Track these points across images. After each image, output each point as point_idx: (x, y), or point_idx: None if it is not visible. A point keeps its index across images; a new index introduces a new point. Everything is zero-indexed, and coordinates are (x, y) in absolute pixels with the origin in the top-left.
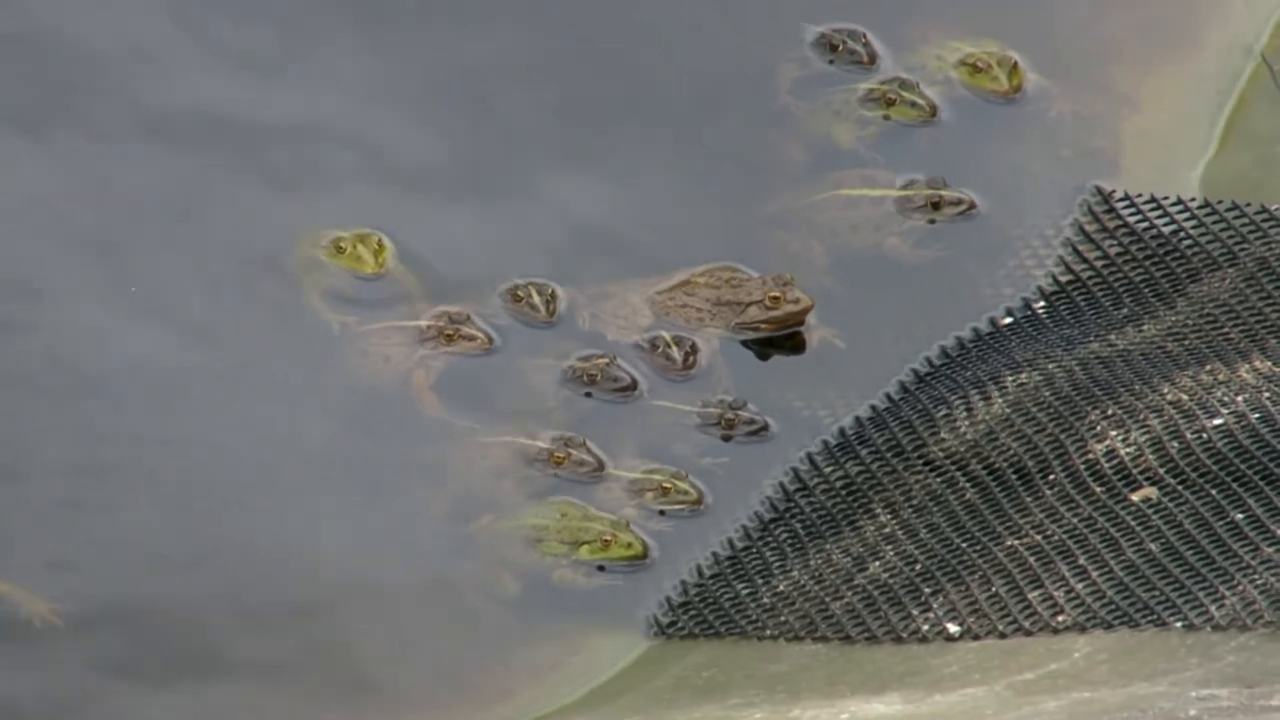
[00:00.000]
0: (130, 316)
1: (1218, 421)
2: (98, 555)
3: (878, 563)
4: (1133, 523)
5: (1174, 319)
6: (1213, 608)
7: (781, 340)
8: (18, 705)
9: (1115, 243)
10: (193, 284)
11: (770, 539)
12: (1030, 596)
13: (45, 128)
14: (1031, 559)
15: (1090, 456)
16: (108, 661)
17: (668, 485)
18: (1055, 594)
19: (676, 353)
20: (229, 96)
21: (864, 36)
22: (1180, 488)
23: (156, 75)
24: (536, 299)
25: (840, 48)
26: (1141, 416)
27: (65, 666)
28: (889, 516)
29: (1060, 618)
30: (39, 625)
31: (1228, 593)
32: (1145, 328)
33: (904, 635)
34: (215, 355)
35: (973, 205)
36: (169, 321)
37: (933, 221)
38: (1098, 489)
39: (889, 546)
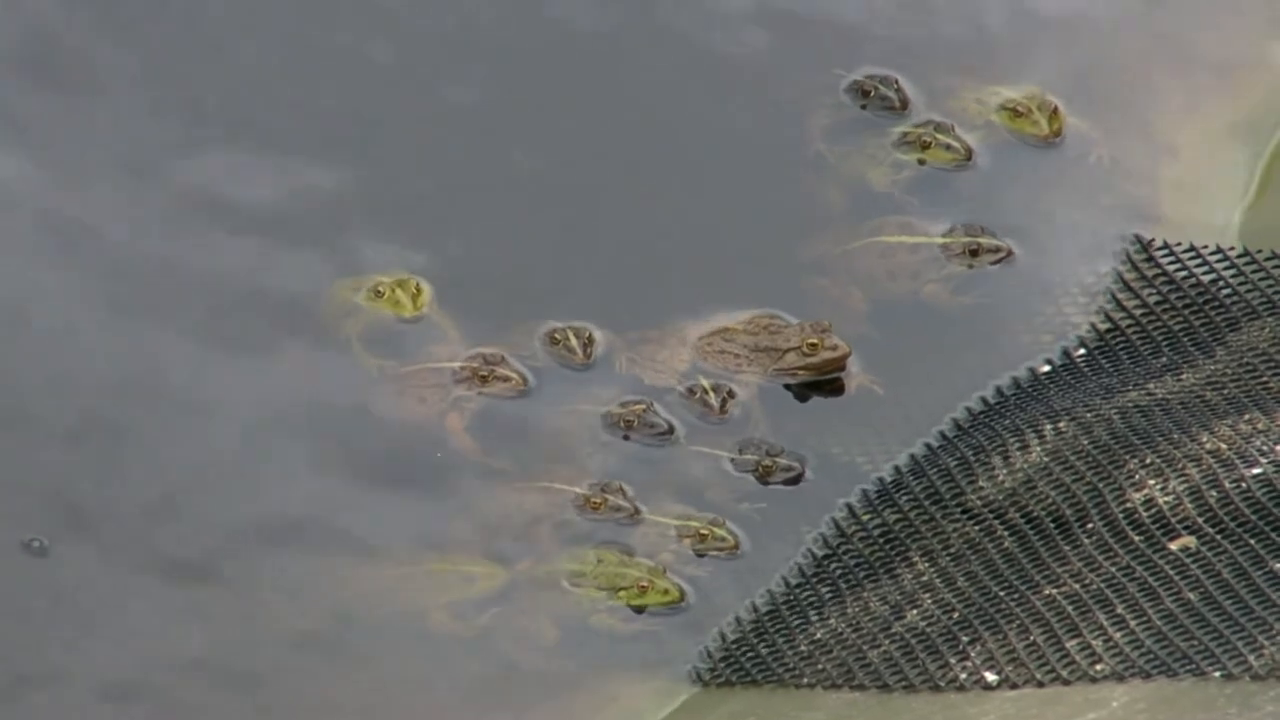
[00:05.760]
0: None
1: (1257, 471)
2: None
3: (915, 611)
4: (1171, 572)
5: (1213, 368)
6: (1251, 657)
7: (820, 387)
8: None
9: (1155, 291)
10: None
11: (808, 586)
12: (1068, 645)
13: None
14: (1069, 608)
15: (1128, 505)
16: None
17: (705, 531)
18: (1093, 643)
19: (714, 399)
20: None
21: (895, 82)
22: (1219, 537)
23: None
24: (574, 342)
25: (872, 93)
26: (1180, 465)
27: None
28: (927, 565)
29: (1098, 667)
30: None
31: (1267, 642)
32: (1184, 377)
33: (941, 684)
34: (246, 394)
35: (1011, 253)
36: (204, 361)
37: (971, 268)
38: (1136, 538)
39: (927, 595)
